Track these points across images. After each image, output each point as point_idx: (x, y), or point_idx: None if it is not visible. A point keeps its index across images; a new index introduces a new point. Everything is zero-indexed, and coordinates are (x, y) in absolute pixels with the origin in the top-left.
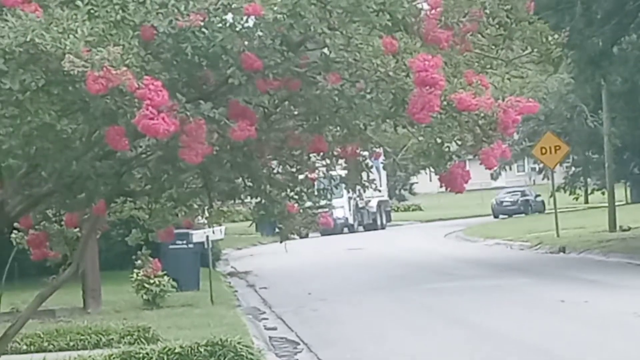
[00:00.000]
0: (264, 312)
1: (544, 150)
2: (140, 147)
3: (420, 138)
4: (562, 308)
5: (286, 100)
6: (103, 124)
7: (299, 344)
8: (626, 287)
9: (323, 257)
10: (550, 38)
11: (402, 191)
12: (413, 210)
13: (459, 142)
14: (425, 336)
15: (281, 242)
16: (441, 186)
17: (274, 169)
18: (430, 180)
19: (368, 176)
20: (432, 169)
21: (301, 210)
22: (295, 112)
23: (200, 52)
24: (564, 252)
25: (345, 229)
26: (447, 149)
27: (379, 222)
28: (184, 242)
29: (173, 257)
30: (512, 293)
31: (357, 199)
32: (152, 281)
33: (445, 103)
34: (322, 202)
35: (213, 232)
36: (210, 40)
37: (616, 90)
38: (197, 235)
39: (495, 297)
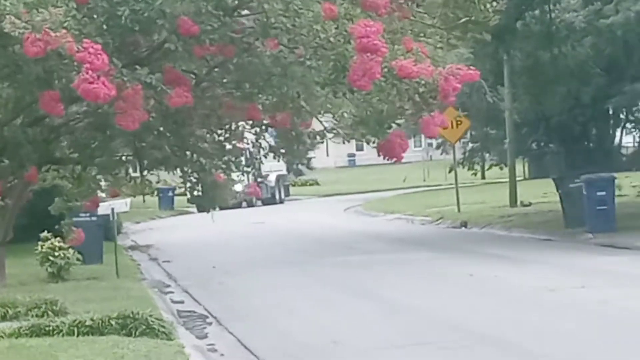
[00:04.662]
0: (169, 286)
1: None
2: (69, 114)
3: (358, 107)
4: (472, 282)
5: (217, 67)
6: (38, 88)
7: (207, 317)
8: (534, 261)
9: (223, 231)
10: (488, 5)
11: (300, 166)
12: (310, 185)
13: (399, 111)
14: (335, 309)
15: (204, 212)
16: (379, 155)
17: (201, 137)
18: (327, 155)
19: (304, 145)
20: (371, 138)
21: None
22: (224, 80)
23: (136, 17)
24: (466, 227)
25: (244, 203)
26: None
27: (277, 197)
28: (87, 214)
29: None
30: (418, 267)
31: (256, 173)
32: (57, 254)
33: (386, 70)
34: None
35: (119, 205)
36: (149, 4)
37: (518, 65)
38: (102, 208)
39: (402, 270)
